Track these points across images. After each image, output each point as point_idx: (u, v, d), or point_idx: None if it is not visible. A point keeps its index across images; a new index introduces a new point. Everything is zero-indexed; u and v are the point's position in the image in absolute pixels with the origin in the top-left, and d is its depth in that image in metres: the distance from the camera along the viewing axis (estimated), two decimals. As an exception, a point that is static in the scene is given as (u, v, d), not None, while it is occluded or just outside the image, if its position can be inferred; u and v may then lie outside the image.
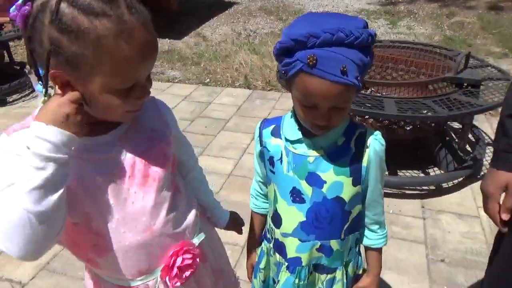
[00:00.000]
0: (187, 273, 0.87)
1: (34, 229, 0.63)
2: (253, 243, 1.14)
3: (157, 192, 0.82)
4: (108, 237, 0.79)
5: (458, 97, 2.15)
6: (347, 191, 0.90)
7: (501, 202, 0.97)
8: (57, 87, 0.68)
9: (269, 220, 1.03)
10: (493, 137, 0.91)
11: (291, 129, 0.93)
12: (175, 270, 0.85)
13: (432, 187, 2.33)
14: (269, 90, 3.83)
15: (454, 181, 2.34)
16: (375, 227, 0.99)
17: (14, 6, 0.65)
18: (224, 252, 1.13)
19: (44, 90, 0.69)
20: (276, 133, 0.96)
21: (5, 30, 3.95)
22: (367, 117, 2.29)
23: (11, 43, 4.15)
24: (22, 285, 1.81)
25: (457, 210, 2.15)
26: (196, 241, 0.92)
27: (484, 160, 2.42)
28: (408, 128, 2.32)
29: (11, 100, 3.78)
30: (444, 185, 2.34)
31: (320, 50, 0.75)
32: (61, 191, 0.65)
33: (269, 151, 0.96)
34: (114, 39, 0.63)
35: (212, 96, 3.72)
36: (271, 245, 1.03)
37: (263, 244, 1.08)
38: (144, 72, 0.72)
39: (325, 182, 0.89)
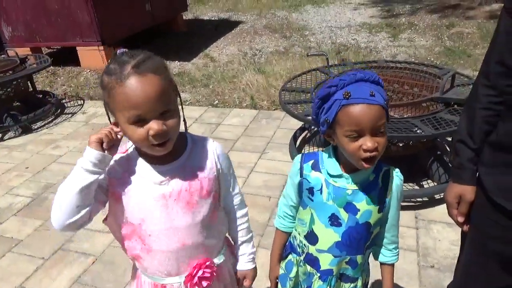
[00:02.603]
0: (204, 284, 1.09)
1: (71, 210, 0.95)
2: (277, 258, 1.32)
3: (193, 216, 1.05)
4: (153, 239, 1.04)
5: (443, 115, 2.35)
6: (374, 217, 1.11)
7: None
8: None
9: (300, 237, 1.23)
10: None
11: (332, 165, 1.11)
12: (196, 279, 1.08)
13: (426, 199, 2.52)
14: (274, 110, 4.06)
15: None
16: (391, 246, 1.20)
17: None
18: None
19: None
20: (316, 167, 1.14)
21: (29, 63, 4.27)
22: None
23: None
24: (58, 298, 2.05)
25: (447, 220, 2.31)
26: (216, 261, 1.14)
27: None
28: (401, 145, 2.53)
29: (36, 127, 4.10)
30: (437, 196, 2.52)
31: (349, 86, 0.99)
32: (90, 187, 0.94)
33: (309, 182, 1.13)
34: (115, 86, 0.90)
35: (221, 118, 3.97)
36: (302, 258, 1.23)
37: (291, 256, 1.27)
38: (145, 110, 0.90)
39: (358, 210, 1.10)
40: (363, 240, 1.14)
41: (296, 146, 3.09)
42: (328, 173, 1.12)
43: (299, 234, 1.24)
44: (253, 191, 2.77)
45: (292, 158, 2.94)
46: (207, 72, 5.33)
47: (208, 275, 1.09)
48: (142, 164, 1.03)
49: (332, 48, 5.97)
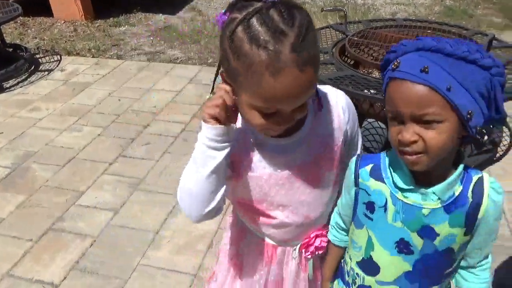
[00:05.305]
0: (320, 252, 1.04)
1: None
2: (328, 274, 1.07)
3: (318, 191, 0.95)
4: (276, 214, 0.96)
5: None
6: (459, 241, 0.82)
7: None
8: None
9: (351, 263, 0.95)
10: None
11: (400, 175, 0.82)
12: (313, 247, 1.02)
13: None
14: (276, 70, 3.75)
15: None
16: (480, 271, 0.89)
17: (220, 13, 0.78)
18: None
19: (211, 86, 0.87)
20: (377, 175, 0.85)
21: (-4, 11, 3.72)
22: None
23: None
24: (54, 287, 1.79)
25: None
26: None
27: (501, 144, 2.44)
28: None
29: (8, 86, 3.63)
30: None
31: (407, 55, 0.73)
32: (220, 167, 0.81)
33: (369, 195, 0.86)
34: (262, 70, 0.69)
35: (218, 78, 3.62)
36: None
37: (337, 284, 1.02)
38: (287, 106, 0.75)
39: (438, 234, 0.81)
40: (442, 269, 0.86)
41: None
42: (395, 185, 0.82)
43: (350, 259, 0.96)
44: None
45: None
46: (196, 26, 4.89)
47: (325, 244, 1.03)
48: (260, 136, 0.89)
49: (328, 3, 5.60)
